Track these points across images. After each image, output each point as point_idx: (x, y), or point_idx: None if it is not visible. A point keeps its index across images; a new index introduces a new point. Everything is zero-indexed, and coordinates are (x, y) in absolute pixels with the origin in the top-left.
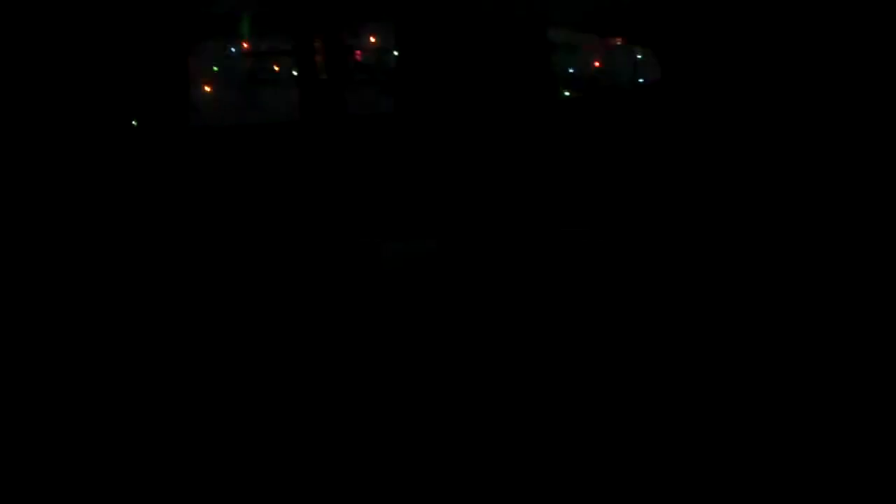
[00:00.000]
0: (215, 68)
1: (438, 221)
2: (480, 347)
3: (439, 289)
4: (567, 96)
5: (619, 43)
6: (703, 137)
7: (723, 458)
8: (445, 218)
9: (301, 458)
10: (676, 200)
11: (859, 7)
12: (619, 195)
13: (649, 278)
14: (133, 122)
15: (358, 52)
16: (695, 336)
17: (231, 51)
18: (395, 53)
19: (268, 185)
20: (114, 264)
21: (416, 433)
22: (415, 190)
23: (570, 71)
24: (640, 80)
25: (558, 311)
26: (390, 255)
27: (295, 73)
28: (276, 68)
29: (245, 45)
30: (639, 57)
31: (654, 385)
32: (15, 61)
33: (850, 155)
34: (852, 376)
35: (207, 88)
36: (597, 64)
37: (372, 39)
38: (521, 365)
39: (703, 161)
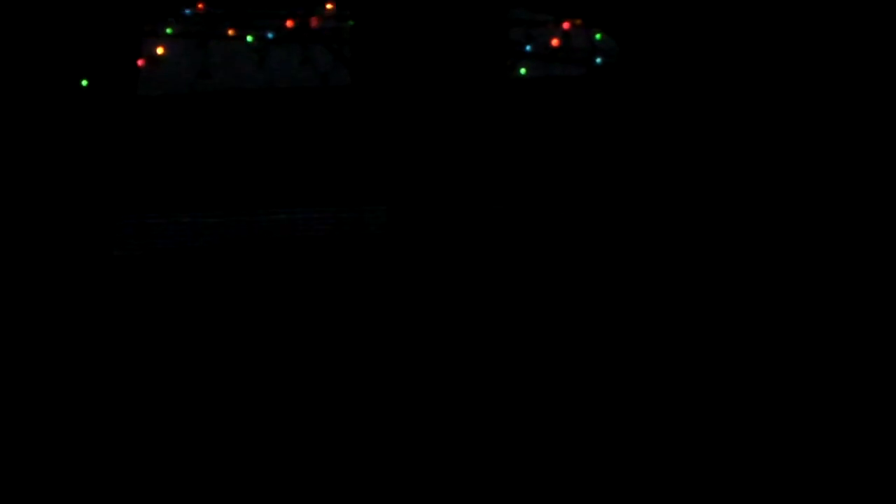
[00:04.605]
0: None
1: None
2: None
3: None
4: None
5: (577, 23)
6: (658, 121)
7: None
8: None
9: None
10: (629, 184)
11: None
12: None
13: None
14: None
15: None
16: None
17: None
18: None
19: None
20: None
21: None
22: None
23: (528, 49)
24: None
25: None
26: None
27: None
28: None
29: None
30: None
31: None
32: None
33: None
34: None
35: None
36: (554, 43)
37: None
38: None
39: (658, 146)
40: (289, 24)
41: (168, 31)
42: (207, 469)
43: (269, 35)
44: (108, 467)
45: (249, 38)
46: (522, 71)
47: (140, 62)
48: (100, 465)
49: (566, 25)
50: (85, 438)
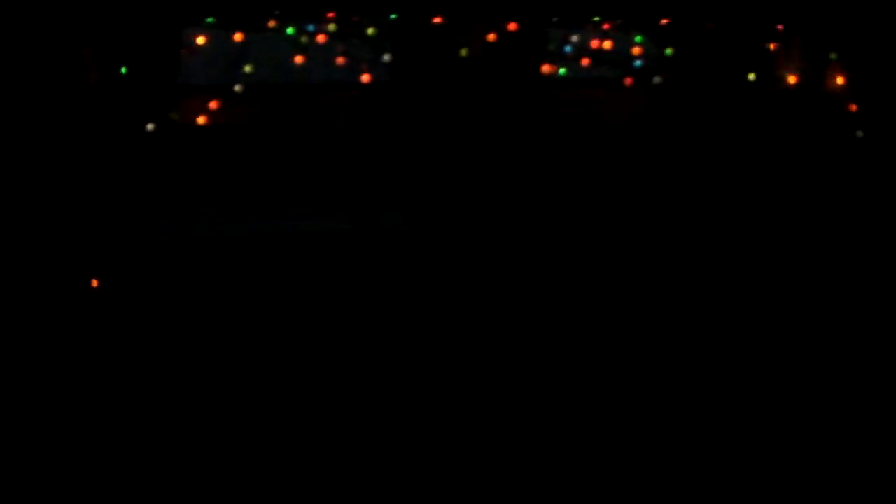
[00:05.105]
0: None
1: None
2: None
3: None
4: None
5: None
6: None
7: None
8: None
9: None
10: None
11: None
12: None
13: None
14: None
15: None
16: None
17: None
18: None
19: None
20: None
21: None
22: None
23: (567, 50)
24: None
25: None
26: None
27: None
28: None
29: None
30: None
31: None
32: None
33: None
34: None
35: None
36: (593, 45)
37: None
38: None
39: (695, 152)
40: (329, 15)
41: (209, 20)
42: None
43: (310, 28)
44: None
45: (290, 30)
46: (562, 71)
47: (181, 52)
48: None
49: (606, 27)
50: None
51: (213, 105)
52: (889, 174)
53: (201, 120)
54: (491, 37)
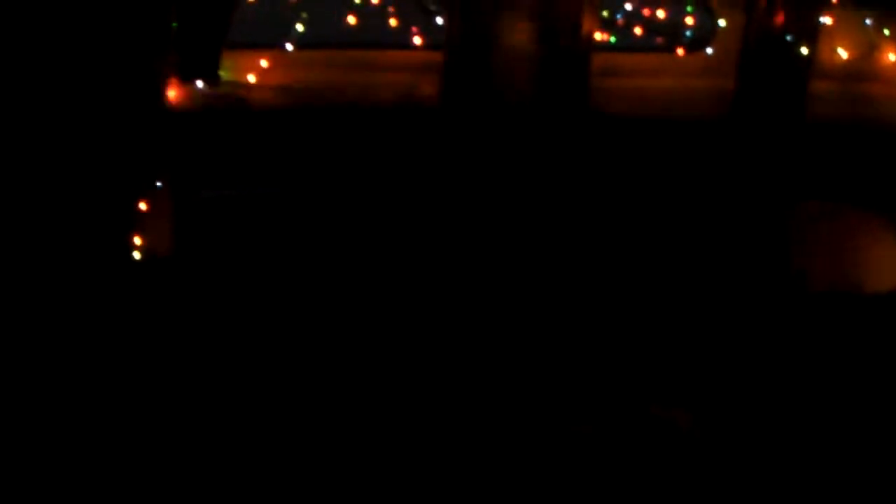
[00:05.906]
0: None
1: None
2: None
3: None
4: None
5: None
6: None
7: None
8: None
9: None
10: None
11: None
12: None
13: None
14: None
15: None
16: None
17: None
18: None
19: None
20: None
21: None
22: None
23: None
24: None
25: None
26: None
27: None
28: None
29: None
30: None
31: None
32: None
33: None
34: None
35: None
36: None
37: None
38: None
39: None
40: None
41: None
42: None
43: None
44: None
45: None
46: (612, 39)
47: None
48: None
49: None
50: None
51: (263, 63)
52: None
53: (251, 78)
54: None
